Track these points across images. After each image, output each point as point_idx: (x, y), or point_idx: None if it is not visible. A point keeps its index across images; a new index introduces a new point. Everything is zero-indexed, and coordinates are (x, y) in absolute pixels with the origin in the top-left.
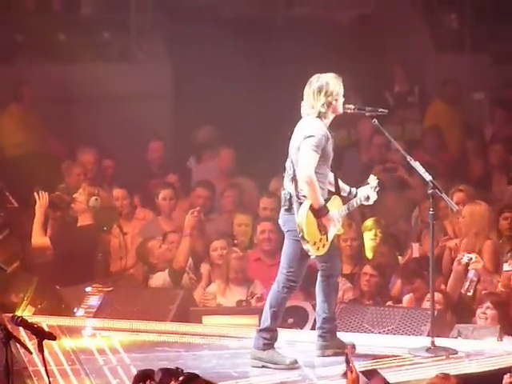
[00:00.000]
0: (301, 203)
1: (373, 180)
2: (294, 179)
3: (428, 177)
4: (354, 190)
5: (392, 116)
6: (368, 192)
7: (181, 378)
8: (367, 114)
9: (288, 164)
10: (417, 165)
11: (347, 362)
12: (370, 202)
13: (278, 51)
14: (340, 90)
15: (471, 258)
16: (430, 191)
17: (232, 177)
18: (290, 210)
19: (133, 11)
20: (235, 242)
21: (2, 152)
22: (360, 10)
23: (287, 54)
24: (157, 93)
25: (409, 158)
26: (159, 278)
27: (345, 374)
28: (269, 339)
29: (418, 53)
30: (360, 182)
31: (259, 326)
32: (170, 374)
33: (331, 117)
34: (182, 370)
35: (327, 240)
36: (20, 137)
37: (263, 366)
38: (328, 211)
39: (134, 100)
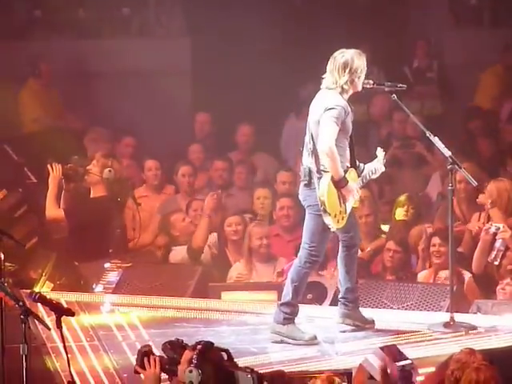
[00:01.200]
0: (320, 177)
1: (380, 152)
2: (314, 153)
3: (447, 152)
4: (361, 165)
5: (411, 91)
6: (375, 165)
7: (199, 347)
8: (386, 89)
9: (307, 138)
10: (436, 140)
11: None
12: (377, 174)
13: (299, 26)
14: (363, 67)
15: (499, 228)
16: (449, 166)
17: (251, 152)
18: (309, 184)
19: None
20: (258, 218)
21: (20, 127)
22: None
23: (308, 29)
24: (176, 68)
25: (428, 133)
26: (179, 253)
27: None
28: (289, 314)
29: (437, 28)
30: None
31: (279, 300)
32: (180, 345)
33: (351, 92)
34: (183, 341)
35: (346, 212)
36: (38, 112)
37: (282, 341)
38: (347, 182)
39: (152, 75)
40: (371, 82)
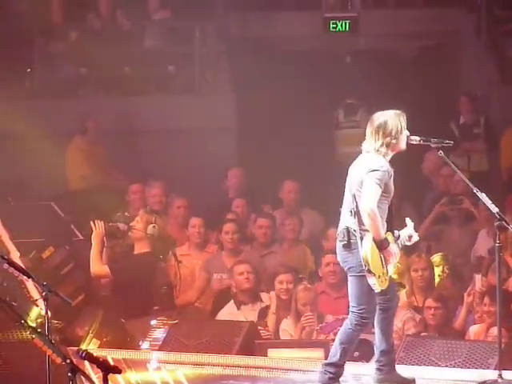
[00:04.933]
0: (362, 237)
1: (409, 222)
2: (357, 213)
3: (495, 208)
4: (396, 232)
5: (458, 148)
6: (410, 231)
7: None
8: (433, 145)
9: (348, 198)
10: (483, 196)
11: None
12: (412, 242)
13: (344, 85)
14: (400, 127)
15: None
16: (496, 223)
17: (297, 209)
18: (349, 245)
19: (197, 43)
20: (300, 276)
21: (67, 185)
22: (424, 42)
23: (357, 85)
24: (221, 125)
25: (475, 189)
26: (227, 309)
27: None
28: (334, 373)
29: (483, 84)
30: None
31: (325, 359)
32: None
33: (391, 154)
34: None
35: (387, 274)
36: (85, 169)
37: None
38: (389, 243)
39: (198, 133)
40: (417, 138)
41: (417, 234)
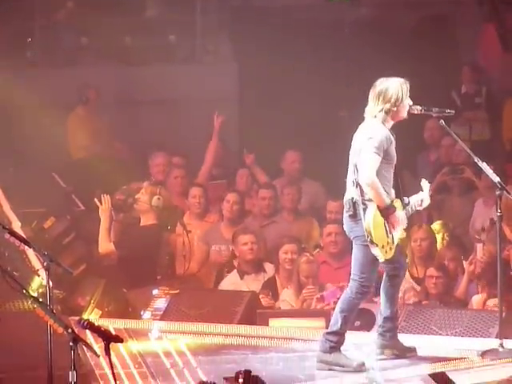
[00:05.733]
0: (365, 208)
1: (425, 183)
2: (358, 183)
3: (496, 178)
4: (405, 198)
5: (459, 117)
6: (421, 196)
7: (242, 376)
8: (434, 115)
9: (350, 168)
10: (484, 166)
11: None
12: (423, 206)
13: (347, 51)
14: (401, 95)
15: None
16: (497, 192)
17: (299, 179)
18: (354, 216)
19: (198, 12)
20: (302, 246)
21: (69, 155)
22: (425, 12)
23: (356, 54)
24: (223, 95)
25: (476, 158)
26: (230, 279)
27: None
28: (335, 342)
29: (484, 54)
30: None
31: (326, 328)
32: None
33: (391, 122)
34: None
35: (393, 243)
36: (86, 139)
37: (330, 369)
38: (395, 209)
39: (199, 102)
40: (419, 107)
41: (428, 198)
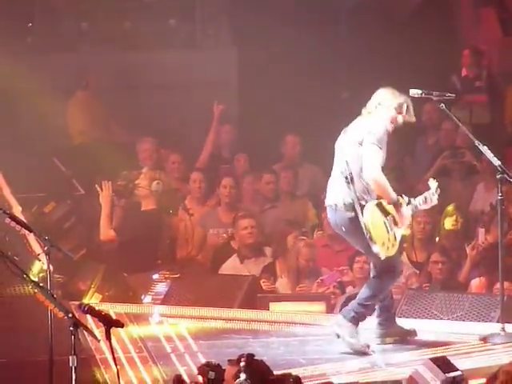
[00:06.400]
0: (363, 205)
1: (432, 183)
2: (352, 179)
3: (496, 161)
4: (409, 199)
5: (460, 100)
6: (425, 195)
7: (243, 359)
8: (435, 98)
9: (342, 167)
10: (485, 149)
11: None
12: (429, 205)
13: (347, 37)
14: (394, 105)
15: None
16: (498, 176)
17: (299, 163)
18: (356, 218)
19: None
20: (303, 230)
21: (68, 139)
22: None
23: (356, 39)
24: (222, 80)
25: (477, 142)
26: (230, 263)
27: None
28: (359, 315)
29: (484, 37)
30: (428, 165)
31: (326, 312)
32: (215, 365)
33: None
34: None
35: (395, 239)
36: (86, 124)
37: (338, 336)
38: (401, 206)
39: (199, 87)
40: (419, 91)
41: (436, 197)
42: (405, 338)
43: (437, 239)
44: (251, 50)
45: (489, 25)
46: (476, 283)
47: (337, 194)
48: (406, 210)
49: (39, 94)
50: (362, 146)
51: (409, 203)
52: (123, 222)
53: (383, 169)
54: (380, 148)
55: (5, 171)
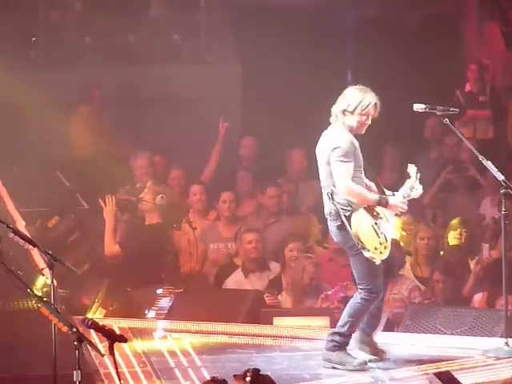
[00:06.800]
0: (348, 216)
1: (412, 169)
2: (332, 195)
3: (500, 176)
4: (395, 193)
5: (463, 115)
6: (409, 184)
7: (249, 374)
8: (438, 113)
9: (323, 182)
10: (489, 164)
11: None
12: (418, 193)
13: (350, 53)
14: (358, 104)
15: None
16: (502, 191)
17: (305, 178)
18: (344, 226)
19: (202, 11)
20: (309, 245)
21: (72, 154)
22: (428, 10)
23: (359, 57)
24: (226, 94)
25: (481, 157)
26: (234, 278)
27: None
28: (340, 342)
29: (488, 52)
30: (431, 180)
31: (330, 327)
32: (222, 380)
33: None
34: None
35: (386, 241)
36: (89, 138)
37: (333, 367)
38: (387, 200)
39: (203, 102)
40: (423, 106)
41: (420, 185)
42: (376, 354)
43: (441, 253)
44: (255, 64)
45: (492, 39)
46: (479, 298)
47: (326, 206)
48: (395, 198)
49: (43, 108)
50: (329, 164)
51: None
52: (127, 236)
53: (362, 175)
54: (346, 161)
55: (8, 185)
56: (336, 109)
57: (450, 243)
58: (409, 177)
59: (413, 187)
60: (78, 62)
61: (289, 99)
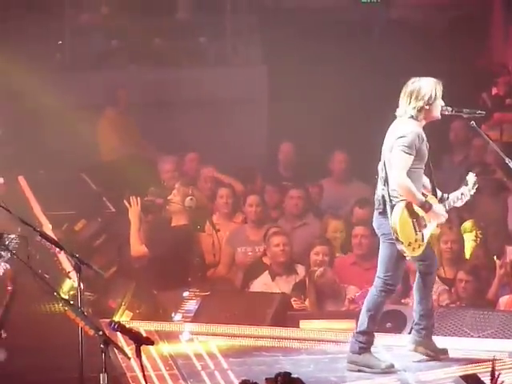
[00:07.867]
0: (393, 205)
1: (471, 177)
2: (387, 181)
3: None
4: (445, 195)
5: (490, 118)
6: (462, 191)
7: (280, 379)
8: (465, 115)
9: (380, 166)
10: None
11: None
12: (462, 202)
13: (377, 55)
14: (434, 95)
15: None
16: None
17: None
18: (383, 213)
19: (228, 14)
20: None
21: (99, 156)
22: (455, 12)
23: (386, 58)
24: (252, 96)
25: (507, 159)
26: (260, 281)
27: None
28: (364, 343)
29: None
30: (456, 183)
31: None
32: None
33: (423, 121)
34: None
35: (423, 240)
36: (116, 141)
37: (359, 370)
38: (431, 205)
39: (229, 104)
40: (449, 108)
41: (472, 190)
42: (437, 356)
43: (467, 256)
44: (281, 67)
45: None
46: (504, 301)
47: (378, 190)
48: (439, 208)
49: (69, 110)
50: (391, 151)
51: (442, 199)
52: (152, 237)
53: (422, 170)
54: (407, 152)
55: (35, 189)
56: (408, 104)
57: (466, 246)
58: (466, 184)
59: (462, 194)
60: (104, 64)
61: (315, 101)
